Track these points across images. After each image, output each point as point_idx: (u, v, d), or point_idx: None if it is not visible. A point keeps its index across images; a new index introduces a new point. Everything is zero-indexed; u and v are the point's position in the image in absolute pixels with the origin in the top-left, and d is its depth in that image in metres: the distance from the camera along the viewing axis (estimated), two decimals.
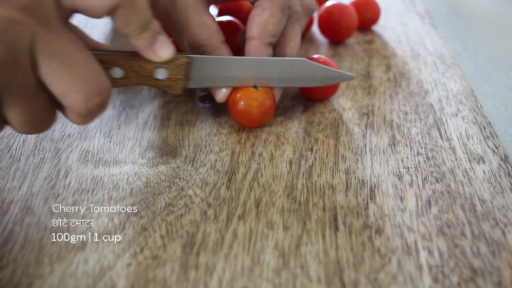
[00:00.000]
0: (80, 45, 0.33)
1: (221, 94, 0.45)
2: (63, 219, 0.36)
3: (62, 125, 0.46)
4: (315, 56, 0.48)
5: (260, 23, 0.44)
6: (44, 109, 0.34)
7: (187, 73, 0.42)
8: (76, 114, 0.34)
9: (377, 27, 0.64)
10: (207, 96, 0.50)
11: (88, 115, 0.35)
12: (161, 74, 0.41)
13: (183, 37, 0.45)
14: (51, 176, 0.40)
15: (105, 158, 0.42)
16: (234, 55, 0.45)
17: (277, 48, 0.46)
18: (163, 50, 0.39)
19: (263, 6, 0.44)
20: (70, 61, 0.32)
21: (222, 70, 0.43)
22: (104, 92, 0.34)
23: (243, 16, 0.59)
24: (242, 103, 0.44)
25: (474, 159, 0.42)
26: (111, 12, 0.35)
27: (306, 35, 0.62)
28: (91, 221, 0.36)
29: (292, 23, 0.46)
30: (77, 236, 0.35)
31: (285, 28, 0.46)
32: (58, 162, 0.41)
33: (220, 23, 0.53)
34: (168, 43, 0.39)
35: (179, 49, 0.48)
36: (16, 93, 0.32)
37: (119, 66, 0.39)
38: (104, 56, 0.39)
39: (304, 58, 0.45)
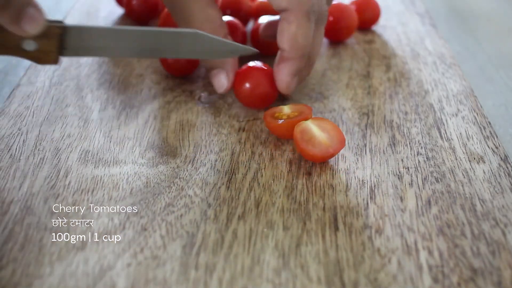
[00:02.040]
0: None
1: (223, 88, 0.45)
2: (63, 219, 0.36)
3: (62, 125, 0.46)
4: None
5: (289, 37, 0.44)
6: None
7: (60, 44, 0.39)
8: None
9: (377, 27, 0.64)
10: (207, 96, 0.50)
11: None
12: (29, 45, 0.37)
13: (186, 28, 0.44)
14: (51, 176, 0.40)
15: (105, 158, 0.42)
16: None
17: None
18: (31, 25, 0.36)
19: (288, 19, 0.43)
20: None
21: (101, 40, 0.40)
22: None
23: (243, 16, 0.59)
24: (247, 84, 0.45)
25: (474, 159, 0.42)
26: None
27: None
28: (91, 221, 0.36)
29: (318, 25, 0.46)
30: (77, 236, 0.35)
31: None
32: (58, 162, 0.41)
33: None
34: (39, 16, 0.36)
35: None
36: None
37: None
38: None
39: (196, 30, 0.41)
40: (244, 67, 0.47)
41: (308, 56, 0.46)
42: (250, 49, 0.43)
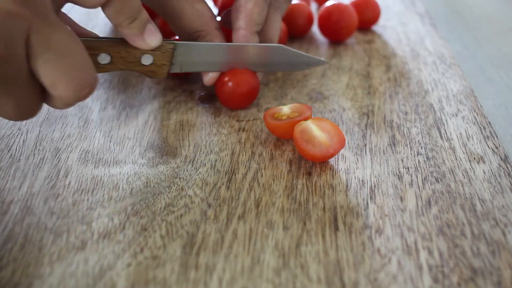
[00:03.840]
0: (73, 37, 0.34)
1: (207, 77, 0.47)
2: (63, 219, 0.36)
3: (62, 125, 0.46)
4: None
5: (246, 14, 0.46)
6: (32, 98, 0.34)
7: (171, 58, 0.43)
8: (63, 103, 0.35)
9: (377, 27, 0.64)
10: (207, 96, 0.50)
11: (73, 104, 0.36)
12: (146, 59, 0.42)
13: (178, 25, 0.46)
14: (51, 176, 0.40)
15: (105, 158, 0.42)
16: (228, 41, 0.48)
17: (260, 34, 0.48)
18: (152, 38, 0.41)
19: None
20: (63, 53, 0.33)
21: (203, 55, 0.45)
22: (93, 84, 0.35)
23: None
24: (229, 84, 0.46)
25: (474, 159, 0.42)
26: (104, 3, 0.36)
27: (306, 35, 0.62)
28: (91, 221, 0.36)
29: (274, 11, 0.49)
30: (77, 236, 0.35)
31: (267, 15, 0.48)
32: (58, 162, 0.41)
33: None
34: (157, 31, 0.41)
35: (171, 34, 0.51)
36: (7, 83, 0.32)
37: (106, 52, 0.41)
38: (92, 43, 0.40)
39: (281, 45, 0.47)
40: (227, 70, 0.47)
41: (267, 42, 0.48)
42: (322, 61, 0.50)
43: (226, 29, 0.50)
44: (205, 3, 0.47)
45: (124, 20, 0.38)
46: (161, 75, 0.44)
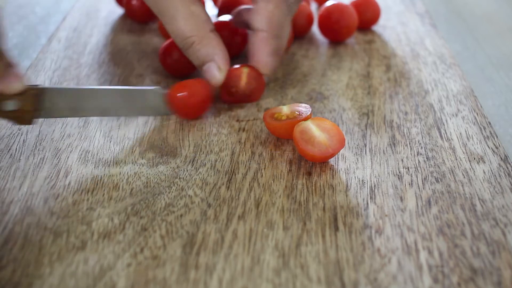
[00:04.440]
0: None
1: (216, 80, 0.46)
2: (63, 219, 0.36)
3: (62, 125, 0.46)
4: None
5: (267, 16, 0.45)
6: None
7: (37, 104, 0.40)
8: None
9: (377, 27, 0.64)
10: None
11: None
12: (9, 105, 0.39)
13: (172, 27, 0.46)
14: (51, 176, 0.40)
15: (105, 158, 0.42)
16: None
17: None
18: (13, 83, 0.38)
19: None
20: None
21: (73, 101, 0.42)
22: None
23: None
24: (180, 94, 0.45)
25: (474, 159, 0.42)
26: None
27: (306, 35, 0.62)
28: (91, 221, 0.36)
29: (287, 13, 0.47)
30: (77, 236, 0.35)
31: None
32: (58, 162, 0.41)
33: (219, 23, 0.53)
34: (20, 75, 0.38)
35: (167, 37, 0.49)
36: None
37: None
38: None
39: (158, 87, 0.44)
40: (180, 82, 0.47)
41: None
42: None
43: (239, 30, 0.50)
44: (201, 5, 0.46)
45: None
46: (27, 123, 0.41)
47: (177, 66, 0.52)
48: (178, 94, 0.45)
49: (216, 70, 0.46)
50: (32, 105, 0.40)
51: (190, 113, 0.46)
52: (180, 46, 0.47)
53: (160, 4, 0.45)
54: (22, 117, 0.41)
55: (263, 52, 0.46)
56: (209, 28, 0.46)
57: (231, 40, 0.53)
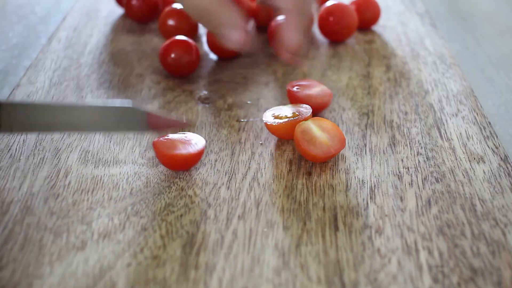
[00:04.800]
0: None
1: (239, 44, 0.45)
2: (63, 219, 0.36)
3: None
4: None
5: None
6: None
7: None
8: None
9: (377, 27, 0.64)
10: (207, 96, 0.50)
11: None
12: None
13: (212, 28, 0.47)
14: (51, 176, 0.40)
15: (105, 158, 0.42)
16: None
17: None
18: None
19: None
20: None
21: (34, 116, 0.38)
22: None
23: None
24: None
25: (474, 159, 0.42)
26: None
27: (306, 35, 0.62)
28: (91, 221, 0.36)
29: None
30: (77, 236, 0.35)
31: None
32: (58, 162, 0.41)
33: None
34: None
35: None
36: None
37: None
38: None
39: (130, 106, 0.39)
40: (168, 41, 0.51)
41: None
42: (185, 123, 0.43)
43: (265, 9, 0.49)
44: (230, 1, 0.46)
45: None
46: None
47: (177, 66, 0.52)
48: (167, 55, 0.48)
49: (236, 33, 0.45)
50: None
51: (179, 72, 0.50)
52: (194, 14, 0.47)
53: (195, 9, 0.45)
54: None
55: (291, 31, 0.46)
56: (242, 22, 0.45)
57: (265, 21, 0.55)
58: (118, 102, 0.41)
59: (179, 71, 0.52)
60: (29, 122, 0.37)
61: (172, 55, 0.51)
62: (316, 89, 0.47)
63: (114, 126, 0.39)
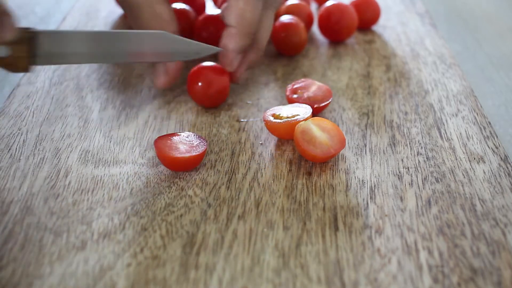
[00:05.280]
0: None
1: (160, 83, 0.46)
2: (63, 219, 0.36)
3: (62, 125, 0.46)
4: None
5: (237, 12, 0.44)
6: None
7: (31, 50, 0.38)
8: None
9: (377, 27, 0.64)
10: None
11: None
12: (0, 51, 0.37)
13: (137, 25, 0.45)
14: (51, 176, 0.40)
15: (105, 158, 0.42)
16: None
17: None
18: (6, 32, 0.36)
19: None
20: None
21: (73, 46, 0.40)
22: None
23: (196, 5, 0.61)
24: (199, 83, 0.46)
25: (474, 159, 0.42)
26: None
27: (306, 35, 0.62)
28: (91, 221, 0.36)
29: (266, 7, 0.47)
30: (77, 236, 0.35)
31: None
32: (58, 162, 0.41)
33: (208, 17, 0.55)
34: (14, 24, 0.36)
35: None
36: None
37: None
38: None
39: (164, 31, 0.43)
40: (195, 67, 0.47)
41: (256, 39, 0.47)
42: (214, 48, 0.45)
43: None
44: (168, 5, 0.46)
45: None
46: (22, 70, 0.39)
47: (208, 96, 0.51)
48: (195, 86, 0.46)
49: (163, 73, 0.46)
50: (25, 50, 0.38)
51: (209, 102, 0.47)
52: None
53: (127, 4, 0.45)
54: (16, 64, 0.38)
55: (227, 47, 0.46)
56: (171, 28, 0.45)
57: (218, 33, 0.54)
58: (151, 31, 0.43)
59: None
60: (66, 52, 0.40)
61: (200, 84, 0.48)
62: (313, 88, 0.47)
63: (148, 54, 0.43)
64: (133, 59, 0.43)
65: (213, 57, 0.48)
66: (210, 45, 0.45)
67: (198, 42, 0.44)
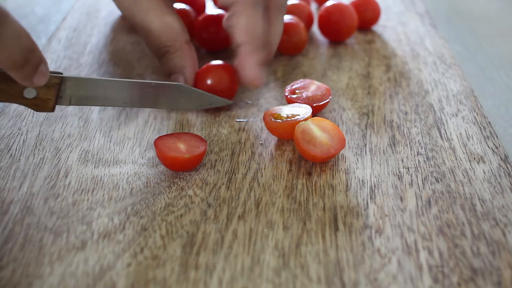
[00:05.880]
0: None
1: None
2: (63, 219, 0.36)
3: (62, 125, 0.46)
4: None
5: (244, 29, 0.44)
6: None
7: (58, 93, 0.41)
8: None
9: (377, 27, 0.64)
10: None
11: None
12: (30, 93, 0.40)
13: (147, 39, 0.46)
14: (51, 176, 0.40)
15: (105, 158, 0.42)
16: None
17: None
18: (41, 79, 0.38)
19: (236, 12, 0.44)
20: None
21: (93, 90, 0.42)
22: None
23: (196, 5, 0.62)
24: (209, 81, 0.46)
25: (474, 159, 0.42)
26: None
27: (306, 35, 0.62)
28: (91, 221, 0.36)
29: (275, 11, 0.47)
30: (77, 236, 0.35)
31: (268, 17, 0.46)
32: (58, 162, 0.41)
33: (210, 17, 0.55)
34: (46, 71, 0.38)
35: None
36: None
37: None
38: None
39: (181, 83, 0.45)
40: (204, 66, 0.48)
41: (266, 43, 0.47)
42: (227, 101, 0.46)
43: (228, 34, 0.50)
44: (176, 15, 0.46)
45: (12, 64, 0.36)
46: (47, 109, 0.41)
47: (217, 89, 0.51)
48: (203, 84, 0.47)
49: (182, 82, 0.47)
50: (53, 94, 0.41)
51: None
52: (155, 54, 0.47)
53: (135, 16, 0.45)
54: (44, 105, 0.41)
55: (249, 66, 0.45)
56: (183, 39, 0.46)
57: (218, 33, 0.54)
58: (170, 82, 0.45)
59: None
60: (88, 96, 0.42)
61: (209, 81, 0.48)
62: (312, 87, 0.47)
63: (165, 102, 0.45)
64: (151, 106, 0.45)
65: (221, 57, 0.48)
66: (223, 98, 0.46)
67: (211, 94, 0.46)
